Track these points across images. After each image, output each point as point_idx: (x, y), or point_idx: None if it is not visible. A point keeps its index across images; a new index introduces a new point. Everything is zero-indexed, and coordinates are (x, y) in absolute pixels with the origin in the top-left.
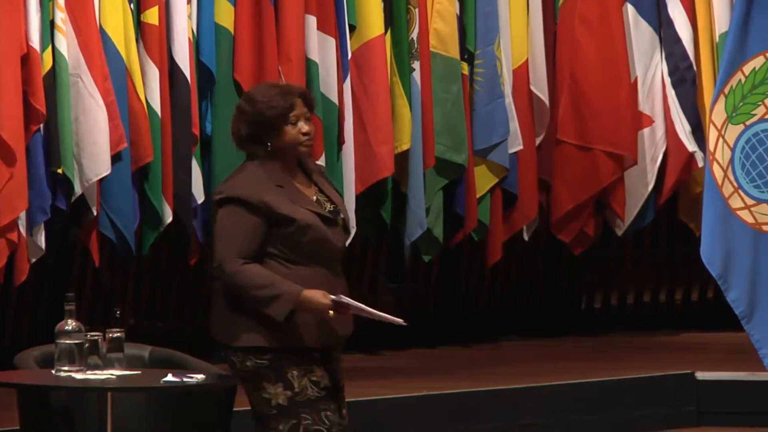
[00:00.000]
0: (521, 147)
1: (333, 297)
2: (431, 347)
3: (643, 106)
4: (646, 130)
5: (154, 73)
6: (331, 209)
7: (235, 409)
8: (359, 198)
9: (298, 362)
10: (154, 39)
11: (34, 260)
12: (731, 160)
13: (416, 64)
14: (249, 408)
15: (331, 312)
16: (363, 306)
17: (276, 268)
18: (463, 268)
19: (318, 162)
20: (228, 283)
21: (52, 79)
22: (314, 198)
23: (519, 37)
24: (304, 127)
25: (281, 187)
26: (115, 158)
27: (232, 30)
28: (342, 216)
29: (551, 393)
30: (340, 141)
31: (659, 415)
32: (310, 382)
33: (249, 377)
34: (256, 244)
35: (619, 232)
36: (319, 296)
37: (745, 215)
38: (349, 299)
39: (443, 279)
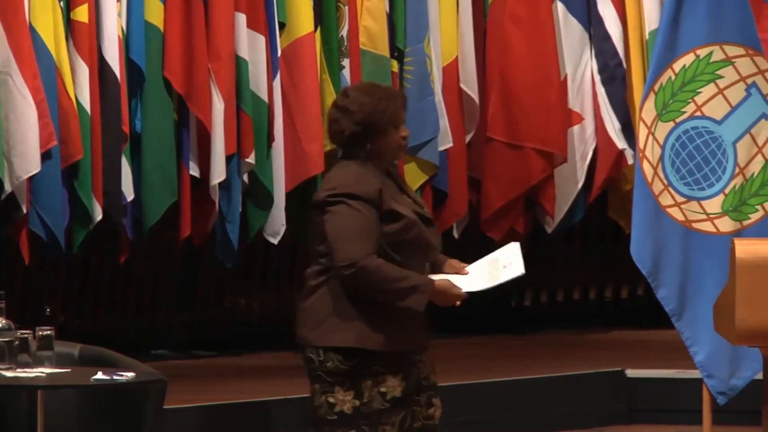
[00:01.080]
0: (451, 144)
1: (464, 290)
2: None
3: (573, 104)
4: (575, 128)
5: (83, 71)
6: (427, 212)
7: (166, 406)
8: (289, 196)
9: (378, 371)
10: (84, 37)
11: None
12: (661, 158)
13: (346, 62)
14: (180, 406)
15: (458, 303)
16: (488, 285)
17: None
18: None
19: (248, 160)
20: (363, 282)
21: None
22: (405, 198)
23: (449, 34)
24: (405, 131)
25: (382, 187)
26: (45, 156)
27: (161, 27)
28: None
29: (484, 391)
30: (270, 139)
31: (590, 413)
32: (379, 393)
33: (322, 377)
34: (377, 240)
35: (549, 230)
36: (450, 287)
37: (675, 213)
38: (474, 288)
39: None
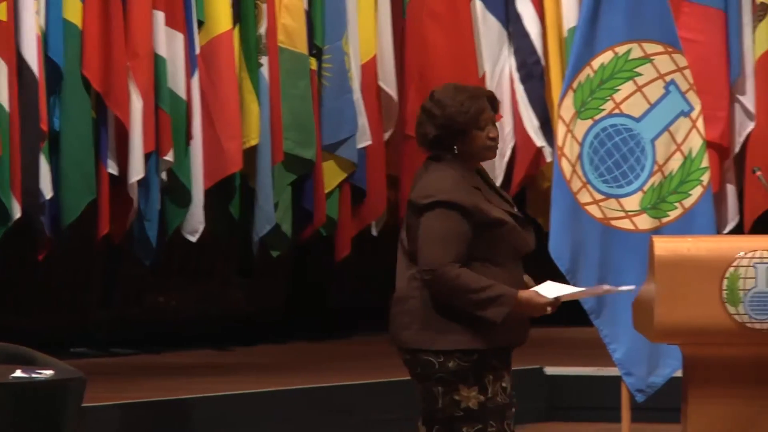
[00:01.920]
0: (370, 142)
1: (550, 297)
2: (282, 343)
3: None
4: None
5: (2, 69)
6: (518, 212)
7: (85, 404)
8: (208, 193)
9: (496, 366)
10: (1, 35)
11: None
12: (580, 155)
13: (264, 60)
14: (99, 404)
15: (548, 309)
16: (576, 290)
17: (480, 271)
18: (314, 263)
19: (166, 158)
20: (440, 288)
21: None
22: (498, 199)
23: (367, 32)
24: (492, 131)
25: (478, 189)
26: None
27: (80, 25)
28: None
29: (403, 388)
30: (188, 137)
31: None
32: (501, 388)
33: (445, 378)
34: (466, 248)
35: None
36: (535, 297)
37: (593, 210)
38: (564, 293)
39: (295, 274)
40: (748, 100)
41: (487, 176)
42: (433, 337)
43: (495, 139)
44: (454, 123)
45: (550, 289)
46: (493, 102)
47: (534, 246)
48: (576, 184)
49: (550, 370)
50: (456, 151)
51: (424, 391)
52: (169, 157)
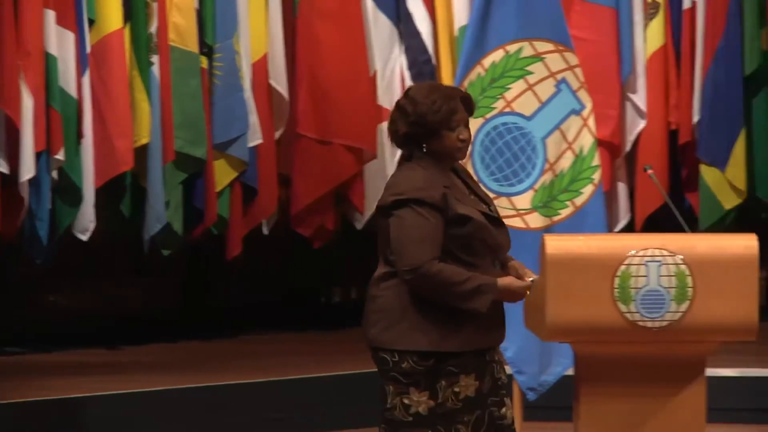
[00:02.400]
0: (260, 141)
1: (528, 279)
2: (177, 341)
3: (382, 100)
4: (385, 124)
5: None
6: (492, 210)
7: None
8: (99, 192)
9: (450, 372)
10: None
11: None
12: (471, 154)
13: (155, 58)
14: None
15: (528, 293)
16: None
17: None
18: (206, 262)
19: (57, 157)
20: (424, 286)
21: None
22: (472, 197)
23: (258, 30)
24: (463, 133)
25: (448, 187)
26: None
27: None
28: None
29: (294, 387)
30: (79, 135)
31: None
32: (453, 393)
33: (397, 378)
34: (441, 244)
35: (359, 226)
36: (514, 282)
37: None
38: (532, 278)
39: (191, 273)
40: (640, 98)
41: (465, 175)
42: (393, 337)
43: (465, 141)
44: (424, 122)
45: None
46: (467, 103)
47: (508, 246)
48: None
49: None
50: (425, 150)
51: (380, 389)
52: (60, 155)
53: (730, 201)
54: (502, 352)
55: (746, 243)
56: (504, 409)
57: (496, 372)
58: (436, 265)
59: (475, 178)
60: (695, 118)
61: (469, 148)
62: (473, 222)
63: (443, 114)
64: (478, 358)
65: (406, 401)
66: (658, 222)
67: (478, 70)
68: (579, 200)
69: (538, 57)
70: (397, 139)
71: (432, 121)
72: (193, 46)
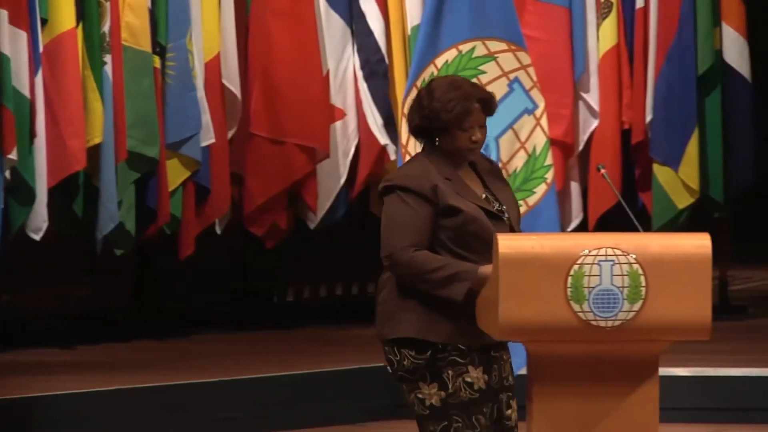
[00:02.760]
0: (213, 140)
1: None
2: (129, 341)
3: (335, 100)
4: (338, 124)
5: None
6: (499, 208)
7: None
8: (52, 192)
9: (455, 362)
10: None
11: None
12: None
13: (108, 58)
14: None
15: None
16: None
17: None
18: (159, 261)
19: (10, 156)
20: (400, 274)
21: None
22: (483, 195)
23: (211, 30)
24: (475, 134)
25: (449, 180)
26: None
27: None
28: (508, 216)
29: (248, 386)
30: (32, 135)
31: (355, 409)
32: (465, 383)
33: (407, 377)
34: (426, 233)
35: (312, 226)
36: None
37: None
38: None
39: (143, 272)
40: (592, 97)
41: (489, 172)
42: (389, 329)
43: (477, 143)
44: (437, 118)
45: None
46: (486, 104)
47: None
48: None
49: None
50: (437, 143)
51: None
52: (13, 155)
53: (683, 200)
54: (509, 351)
55: (699, 242)
56: (509, 411)
57: (503, 370)
58: (409, 253)
59: (505, 177)
60: (648, 118)
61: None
62: (463, 214)
63: (456, 114)
64: (482, 354)
65: (420, 396)
66: (611, 221)
67: (431, 69)
68: (532, 200)
69: (490, 56)
70: (411, 128)
71: (444, 120)
72: (146, 45)
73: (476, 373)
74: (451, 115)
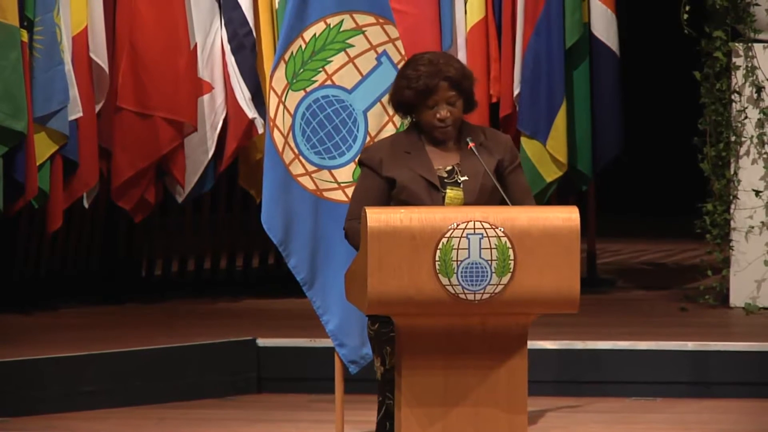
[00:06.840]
0: (81, 114)
1: None
2: None
3: (203, 73)
4: (205, 97)
5: None
6: (457, 180)
7: None
8: None
9: (394, 339)
10: None
11: None
12: (292, 127)
13: None
14: None
15: None
16: None
17: None
18: (23, 234)
19: None
20: (349, 245)
21: None
22: (449, 167)
23: (78, 3)
24: (440, 112)
25: (408, 153)
26: None
27: None
28: (461, 184)
29: (113, 360)
30: None
31: (222, 382)
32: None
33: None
34: (373, 204)
35: (180, 199)
36: None
37: (306, 181)
38: None
39: (9, 245)
40: None
41: (473, 146)
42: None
43: (445, 120)
44: (401, 94)
45: None
46: (454, 82)
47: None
48: (288, 156)
49: (262, 342)
50: (413, 119)
51: None
52: None
53: (551, 173)
54: None
55: (567, 215)
56: None
57: None
58: (348, 224)
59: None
60: (516, 91)
61: (290, 121)
62: (397, 184)
63: (417, 91)
64: None
65: (374, 367)
66: None
67: (299, 42)
68: None
69: (358, 30)
70: (391, 105)
71: (407, 96)
72: (13, 19)
73: None
74: (411, 92)
